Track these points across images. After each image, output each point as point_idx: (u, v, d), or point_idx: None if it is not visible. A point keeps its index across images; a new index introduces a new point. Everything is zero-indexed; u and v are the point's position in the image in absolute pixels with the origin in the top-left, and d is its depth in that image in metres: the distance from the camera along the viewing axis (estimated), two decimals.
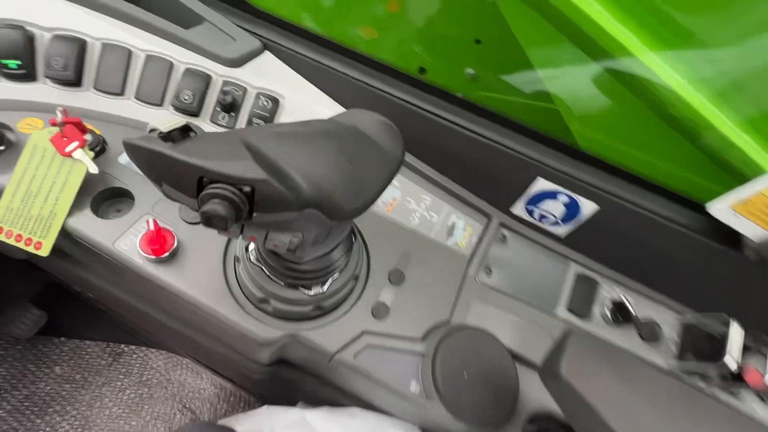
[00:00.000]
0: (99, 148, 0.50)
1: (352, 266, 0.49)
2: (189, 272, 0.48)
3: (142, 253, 0.46)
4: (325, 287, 0.47)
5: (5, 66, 0.48)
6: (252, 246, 0.47)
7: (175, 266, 0.48)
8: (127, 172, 0.52)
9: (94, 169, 0.46)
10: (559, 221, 0.61)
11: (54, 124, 0.45)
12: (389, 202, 0.62)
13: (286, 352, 0.54)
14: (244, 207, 0.30)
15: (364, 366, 0.48)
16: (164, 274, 0.47)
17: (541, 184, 0.58)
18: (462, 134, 0.59)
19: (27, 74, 0.50)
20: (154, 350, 1.12)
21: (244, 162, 0.30)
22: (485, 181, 0.63)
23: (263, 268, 0.45)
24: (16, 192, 0.45)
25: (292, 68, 0.61)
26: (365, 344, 0.50)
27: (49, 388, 1.01)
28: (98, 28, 0.53)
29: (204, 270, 0.49)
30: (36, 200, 0.45)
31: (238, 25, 0.60)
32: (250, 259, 0.46)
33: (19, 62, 0.49)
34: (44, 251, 0.46)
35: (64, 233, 0.47)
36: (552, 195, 0.58)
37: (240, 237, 0.37)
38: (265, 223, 0.35)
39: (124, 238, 0.47)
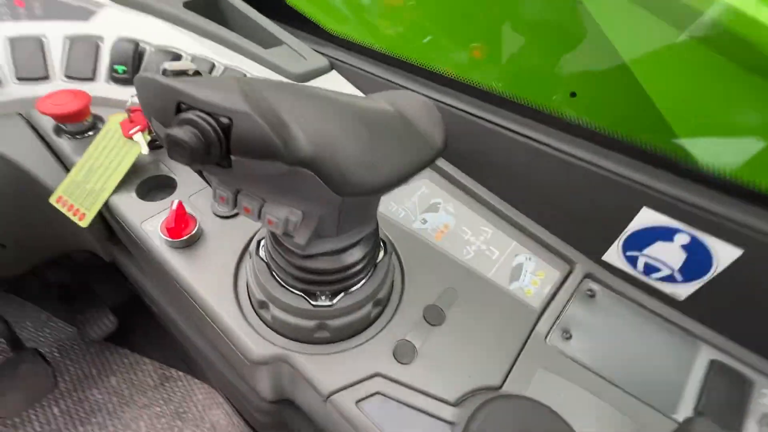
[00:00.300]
0: (159, 143, 0.53)
1: (374, 285, 0.40)
2: (201, 264, 0.44)
3: (160, 234, 0.44)
4: (334, 301, 0.38)
5: (115, 71, 0.57)
6: (266, 241, 0.41)
7: (190, 255, 0.44)
8: (179, 166, 0.53)
9: (146, 150, 0.48)
10: (677, 275, 0.43)
11: (131, 111, 0.49)
12: (439, 229, 0.52)
13: (285, 384, 0.44)
14: (216, 141, 0.25)
15: (366, 418, 0.36)
16: (176, 260, 0.44)
17: (649, 218, 0.43)
18: (539, 153, 0.48)
19: (130, 79, 0.57)
20: (197, 382, 1.09)
21: (228, 93, 0.25)
22: (569, 216, 0.50)
23: (269, 264, 0.39)
24: (82, 167, 0.49)
25: (356, 86, 0.61)
26: (375, 390, 0.37)
27: (100, 396, 1.03)
28: (193, 46, 0.60)
29: (217, 265, 0.44)
30: (93, 175, 0.48)
31: (313, 48, 0.63)
32: (258, 253, 0.40)
33: (125, 68, 0.57)
34: (85, 222, 0.47)
35: (107, 209, 0.49)
36: (666, 234, 0.42)
37: (236, 209, 0.32)
38: (249, 179, 0.29)
39: (152, 220, 0.46)
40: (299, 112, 0.27)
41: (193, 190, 0.50)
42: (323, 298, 0.38)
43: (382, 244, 0.43)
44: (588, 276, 0.49)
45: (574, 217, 0.49)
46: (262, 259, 0.40)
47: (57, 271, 1.04)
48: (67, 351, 1.08)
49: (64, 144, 0.53)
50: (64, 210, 0.48)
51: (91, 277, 1.09)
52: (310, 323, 0.38)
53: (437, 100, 0.54)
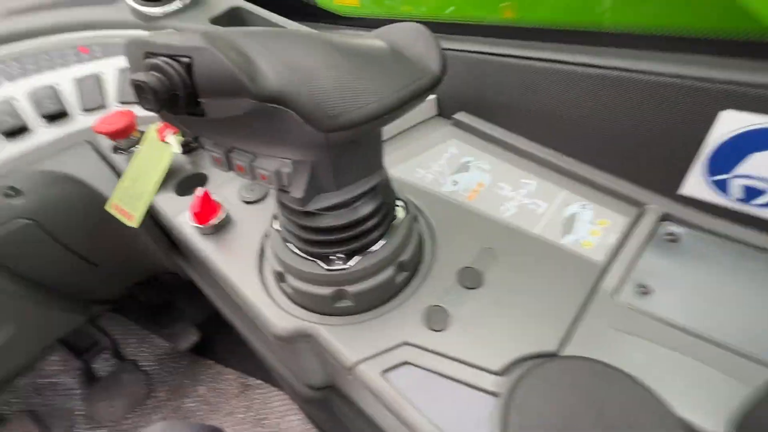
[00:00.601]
0: (195, 145, 0.56)
1: (393, 245, 0.36)
2: (229, 247, 0.45)
3: (190, 221, 0.46)
4: (350, 263, 0.35)
5: None
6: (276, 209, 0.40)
7: (219, 239, 0.45)
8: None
9: (178, 149, 0.51)
10: None
11: None
12: (472, 189, 0.46)
13: (320, 366, 0.42)
14: (179, 82, 0.24)
15: (393, 389, 0.31)
16: (205, 245, 0.45)
17: (733, 123, 0.33)
18: (576, 78, 0.41)
19: None
20: (274, 389, 1.12)
21: (190, 36, 0.25)
22: (627, 149, 0.41)
23: (281, 232, 0.38)
24: (129, 175, 0.54)
25: None
26: (403, 360, 0.33)
27: (192, 405, 1.12)
28: None
29: (244, 247, 0.44)
30: (139, 180, 0.53)
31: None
32: (272, 226, 0.39)
33: None
34: (133, 222, 0.51)
35: (151, 208, 0.52)
36: (762, 138, 0.32)
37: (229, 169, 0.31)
38: (231, 130, 0.28)
39: (186, 212, 0.49)
40: (268, 49, 0.26)
41: (223, 182, 0.52)
42: (338, 262, 0.35)
43: (403, 204, 0.39)
44: (666, 218, 0.40)
45: (634, 149, 0.40)
46: (277, 231, 0.39)
47: (148, 292, 1.17)
48: (163, 363, 1.19)
49: (120, 160, 0.59)
50: (117, 215, 0.53)
51: (176, 296, 1.21)
52: (328, 290, 0.36)
53: (455, 49, 0.49)
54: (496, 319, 0.35)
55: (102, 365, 1.15)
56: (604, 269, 0.38)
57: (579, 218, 0.42)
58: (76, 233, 0.67)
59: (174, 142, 0.52)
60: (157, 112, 0.26)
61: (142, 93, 0.24)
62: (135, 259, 0.77)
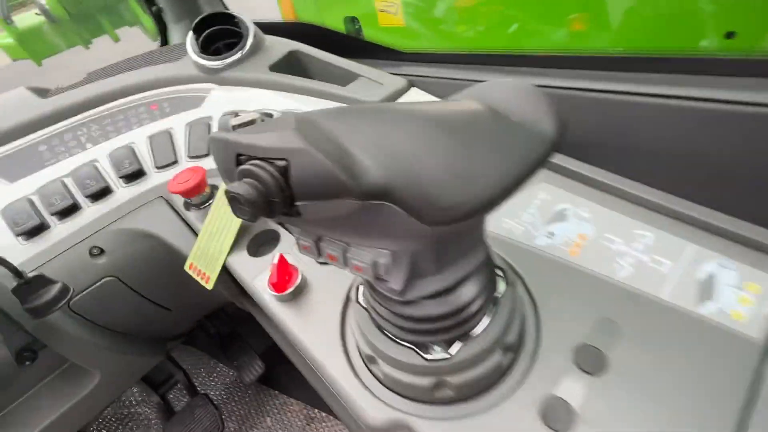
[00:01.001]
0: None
1: (499, 327, 0.31)
2: (308, 315, 0.42)
3: (268, 289, 0.44)
4: (451, 352, 0.31)
5: None
6: (363, 287, 0.37)
7: (297, 306, 0.43)
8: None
9: None
10: None
11: None
12: (574, 242, 0.41)
13: None
14: (276, 190, 0.22)
15: None
16: (284, 314, 0.43)
17: None
18: (689, 112, 0.34)
19: None
20: (339, 423, 1.10)
21: (280, 132, 0.22)
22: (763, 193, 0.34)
23: (370, 312, 0.34)
24: (204, 235, 0.54)
25: (439, 97, 0.55)
26: None
27: None
28: (283, 103, 0.63)
29: (323, 315, 0.42)
30: (213, 240, 0.52)
31: (390, 72, 0.60)
32: (358, 299, 0.36)
33: None
34: (210, 285, 0.51)
35: (225, 269, 0.52)
36: None
37: (320, 257, 0.29)
38: (325, 223, 0.25)
39: (261, 276, 0.47)
40: (364, 134, 0.22)
41: (294, 241, 0.50)
42: (438, 349, 0.31)
43: (500, 273, 0.34)
44: None
45: None
46: (363, 307, 0.35)
47: (215, 322, 1.20)
48: (232, 394, 1.22)
49: (192, 216, 0.59)
50: (194, 275, 0.53)
51: (240, 327, 1.24)
52: (427, 381, 0.32)
53: (538, 85, 0.44)
54: (632, 414, 0.29)
55: (177, 396, 1.19)
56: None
57: (719, 281, 0.34)
58: (152, 284, 0.69)
59: None
60: (253, 222, 0.23)
61: (237, 204, 0.21)
62: (206, 300, 0.79)
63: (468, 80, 0.50)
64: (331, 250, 0.27)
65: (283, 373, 1.21)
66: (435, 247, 0.26)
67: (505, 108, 0.27)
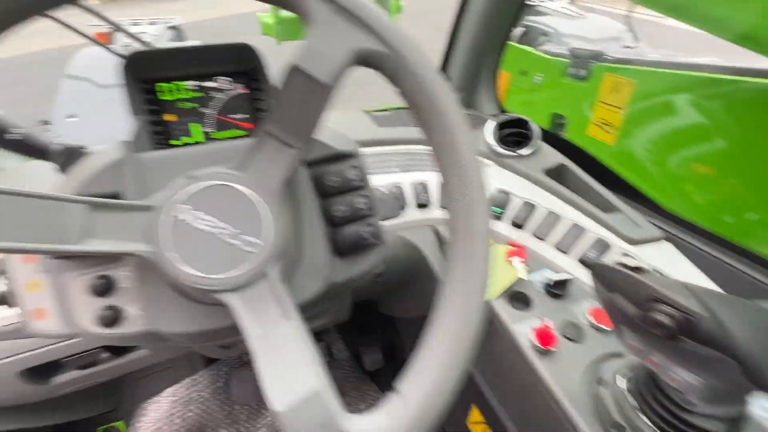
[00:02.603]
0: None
1: None
2: (563, 369, 0.60)
3: (531, 339, 0.64)
4: None
5: (493, 212, 0.86)
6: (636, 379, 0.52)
7: (552, 361, 0.62)
8: (528, 284, 0.75)
9: (523, 275, 0.71)
10: None
11: (511, 245, 0.75)
12: None
13: None
14: (677, 331, 0.41)
15: None
16: (541, 365, 0.62)
17: None
18: None
19: (499, 217, 0.86)
20: None
21: (689, 298, 0.41)
22: None
23: (629, 396, 0.51)
24: None
25: (692, 261, 0.70)
26: None
27: None
28: (547, 202, 0.84)
29: (571, 380, 0.59)
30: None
31: (648, 219, 0.78)
32: (616, 382, 0.54)
33: (501, 210, 0.85)
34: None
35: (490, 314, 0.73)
36: None
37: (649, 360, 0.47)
38: (679, 352, 0.44)
39: (519, 325, 0.67)
40: (740, 319, 0.40)
41: (545, 310, 0.70)
42: None
43: None
44: None
45: None
46: (624, 393, 0.52)
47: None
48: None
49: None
50: None
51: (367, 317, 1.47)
52: None
53: None
54: None
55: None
56: None
57: None
58: (392, 280, 0.95)
59: (521, 268, 0.72)
60: (643, 344, 0.42)
61: (654, 326, 0.41)
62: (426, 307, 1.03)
63: (726, 263, 0.66)
64: (657, 359, 0.45)
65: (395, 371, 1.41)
66: (733, 391, 0.43)
67: None
